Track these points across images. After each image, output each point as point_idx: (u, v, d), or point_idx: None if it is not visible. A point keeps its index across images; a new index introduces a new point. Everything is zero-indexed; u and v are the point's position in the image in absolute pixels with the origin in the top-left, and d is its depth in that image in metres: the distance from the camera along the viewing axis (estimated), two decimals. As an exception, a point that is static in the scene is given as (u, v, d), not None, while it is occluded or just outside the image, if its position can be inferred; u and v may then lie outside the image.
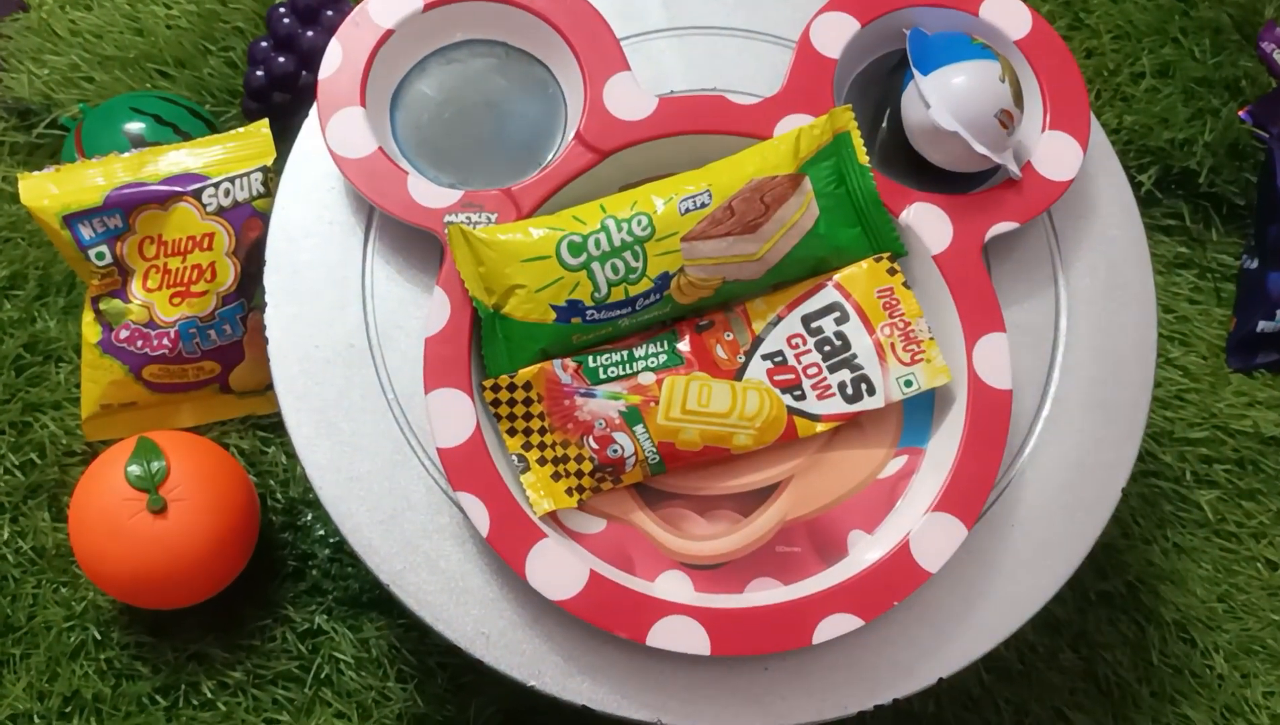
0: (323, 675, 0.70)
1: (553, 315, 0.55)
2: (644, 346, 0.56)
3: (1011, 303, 0.61)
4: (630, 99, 0.60)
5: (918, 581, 0.54)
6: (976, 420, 0.56)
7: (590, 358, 0.56)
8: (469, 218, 0.57)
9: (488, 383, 0.55)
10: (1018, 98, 0.59)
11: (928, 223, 0.59)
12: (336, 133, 0.59)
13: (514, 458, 0.56)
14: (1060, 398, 0.60)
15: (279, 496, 0.74)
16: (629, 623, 0.52)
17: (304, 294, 0.59)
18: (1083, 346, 0.61)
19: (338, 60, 0.60)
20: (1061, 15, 0.88)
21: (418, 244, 0.59)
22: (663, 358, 0.56)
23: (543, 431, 0.55)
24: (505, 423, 0.56)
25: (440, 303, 0.56)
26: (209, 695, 0.69)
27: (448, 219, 0.57)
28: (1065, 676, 0.73)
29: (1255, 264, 0.83)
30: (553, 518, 0.55)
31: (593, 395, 0.55)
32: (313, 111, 0.61)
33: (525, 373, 0.55)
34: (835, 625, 0.53)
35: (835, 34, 0.61)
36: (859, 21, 0.62)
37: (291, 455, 0.74)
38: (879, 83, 0.63)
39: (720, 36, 0.65)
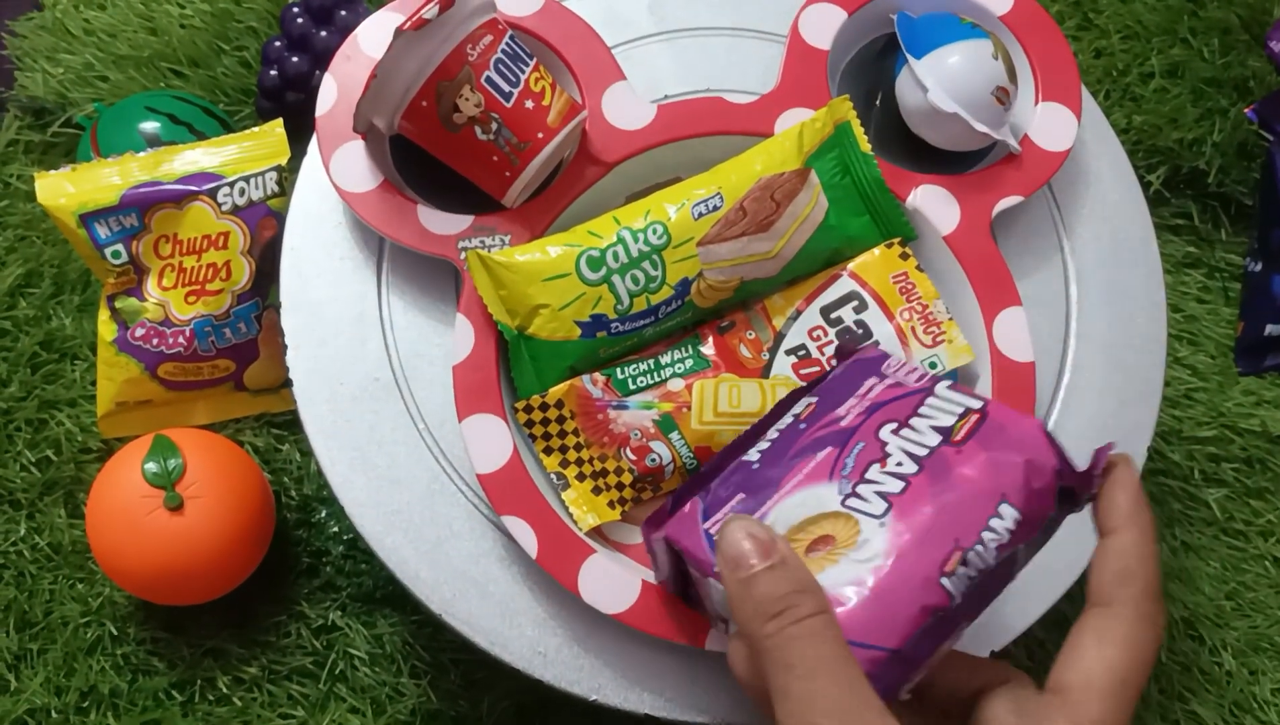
0: (337, 671, 0.71)
1: (578, 331, 0.55)
2: (669, 353, 0.57)
3: (1021, 276, 0.61)
4: (629, 108, 0.60)
5: None
6: (1003, 395, 0.56)
7: (618, 370, 0.56)
8: (483, 241, 0.57)
9: (519, 405, 0.55)
10: (1011, 73, 0.59)
11: (935, 204, 0.59)
12: (340, 168, 0.58)
13: (553, 476, 0.55)
14: (1079, 365, 0.61)
15: (293, 493, 0.74)
16: (685, 629, 0.52)
17: (323, 332, 0.59)
18: (1095, 312, 0.62)
19: (333, 96, 0.59)
20: (1070, 15, 0.88)
21: (430, 271, 0.59)
22: (689, 363, 0.56)
23: (579, 447, 0.55)
24: (541, 443, 0.56)
25: (464, 329, 0.56)
26: (225, 690, 0.70)
27: (462, 244, 0.57)
28: (1074, 673, 0.73)
29: (1259, 267, 0.83)
30: (597, 532, 0.55)
31: (625, 407, 0.55)
32: (312, 147, 0.61)
33: (556, 391, 0.55)
34: None
35: (824, 25, 0.62)
36: (846, 10, 0.62)
37: (305, 452, 0.75)
38: (868, 68, 0.64)
39: (709, 36, 0.65)
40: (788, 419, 0.51)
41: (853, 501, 0.46)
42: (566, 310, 0.55)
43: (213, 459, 0.68)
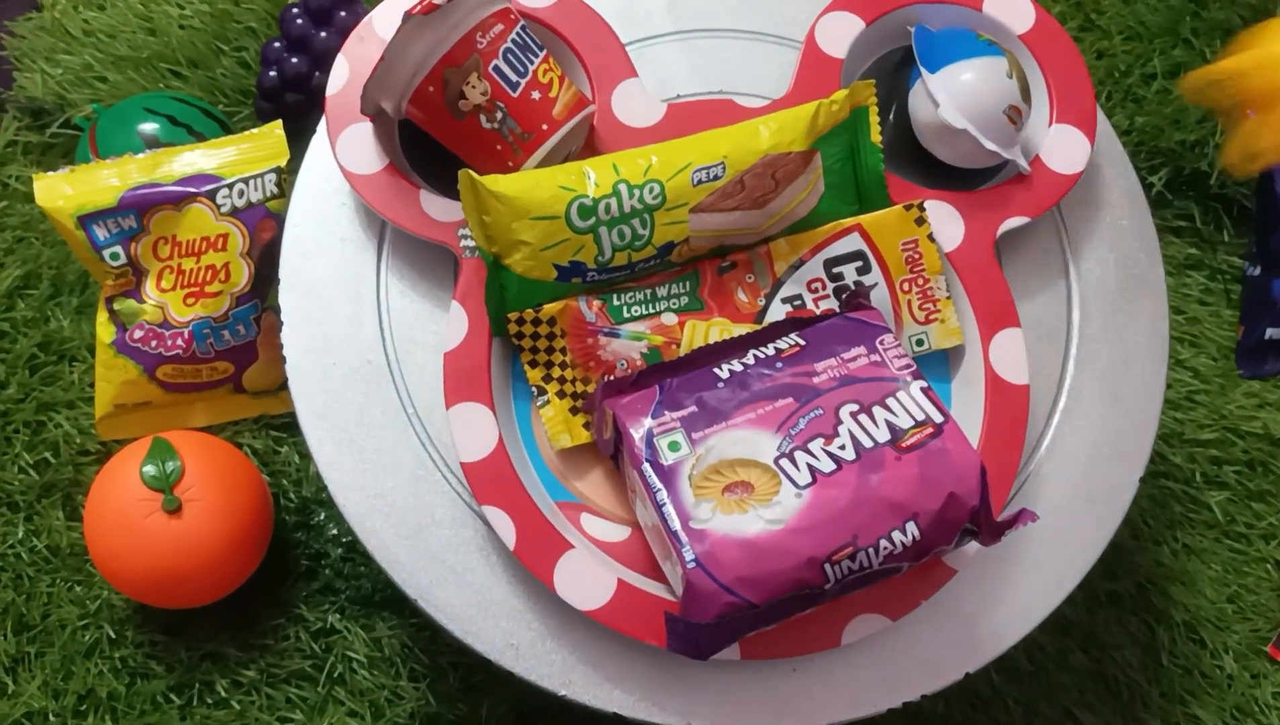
0: (335, 674, 0.70)
1: (554, 274, 0.55)
2: (666, 286, 0.56)
3: (1024, 297, 0.61)
4: (638, 106, 0.59)
5: (944, 579, 0.54)
6: (995, 416, 0.56)
7: (614, 296, 0.56)
8: None
9: (512, 315, 0.55)
10: (1025, 93, 0.59)
11: (939, 220, 0.59)
12: (346, 149, 0.58)
13: (534, 389, 0.56)
14: (1075, 390, 0.61)
15: (292, 496, 0.74)
16: (658, 630, 0.52)
17: (320, 312, 0.59)
18: (1096, 338, 0.61)
19: (344, 76, 0.59)
20: (1073, 16, 0.88)
21: (431, 258, 0.59)
22: (684, 300, 0.56)
23: (564, 366, 0.55)
24: (528, 355, 0.56)
25: (458, 317, 0.56)
26: (223, 694, 0.70)
27: (462, 232, 0.57)
28: (1075, 677, 0.73)
29: (1258, 271, 0.83)
30: (578, 527, 0.55)
31: (616, 335, 0.55)
32: (321, 128, 0.61)
33: (550, 308, 0.55)
34: (863, 625, 0.53)
35: (840, 33, 0.62)
36: (863, 20, 0.62)
37: (305, 454, 0.75)
38: (884, 80, 0.63)
39: (725, 39, 0.64)
40: (770, 350, 0.53)
41: (785, 462, 0.49)
42: (547, 252, 0.54)
43: (211, 462, 0.67)
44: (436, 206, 0.58)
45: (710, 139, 0.56)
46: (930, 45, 0.60)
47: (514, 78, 0.55)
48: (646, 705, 0.54)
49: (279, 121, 0.73)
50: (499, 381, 0.56)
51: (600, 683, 0.55)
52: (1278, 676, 0.74)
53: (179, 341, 0.71)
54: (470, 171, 0.54)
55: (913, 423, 0.50)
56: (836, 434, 0.50)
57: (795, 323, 0.55)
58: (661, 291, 0.56)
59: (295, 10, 0.80)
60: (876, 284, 0.58)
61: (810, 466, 0.49)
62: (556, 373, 0.56)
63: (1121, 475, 0.60)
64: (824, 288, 0.57)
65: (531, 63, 0.56)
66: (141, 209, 0.70)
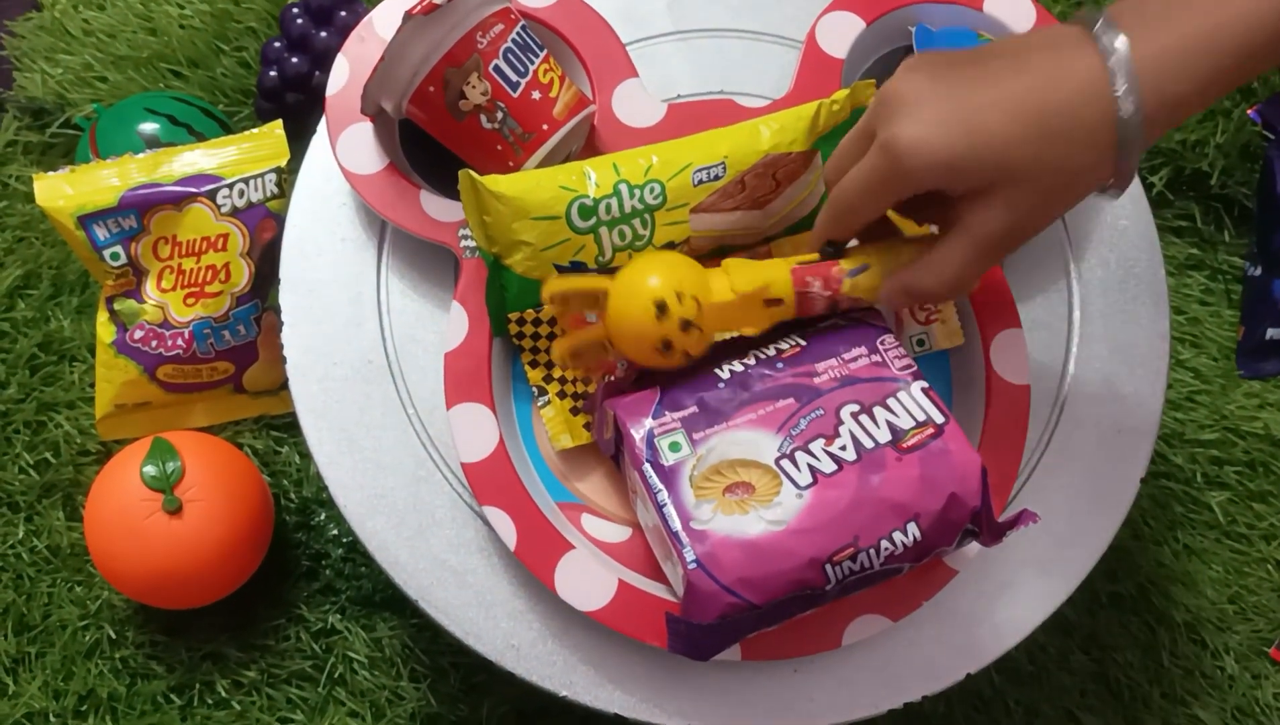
0: (336, 674, 0.70)
1: (555, 274, 0.55)
2: None
3: (1025, 298, 0.61)
4: (639, 106, 0.59)
5: (944, 580, 0.54)
6: (996, 416, 0.56)
7: None
8: None
9: (513, 316, 0.55)
10: None
11: (939, 222, 0.59)
12: (347, 149, 0.58)
13: (534, 389, 0.56)
14: (1076, 390, 0.61)
15: (292, 496, 0.74)
16: (659, 631, 0.52)
17: (320, 312, 0.59)
18: (1097, 338, 0.61)
19: (344, 76, 0.59)
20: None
21: (430, 257, 0.59)
22: None
23: (564, 366, 0.55)
24: (528, 355, 0.56)
25: (458, 317, 0.56)
26: (223, 694, 0.70)
27: (462, 232, 0.57)
28: (1076, 678, 0.73)
29: (1259, 271, 0.83)
30: (579, 527, 0.55)
31: None
32: (321, 128, 0.61)
33: (551, 308, 0.55)
34: (864, 626, 0.53)
35: (841, 33, 0.61)
36: (864, 20, 0.62)
37: (305, 455, 0.75)
38: (884, 80, 0.63)
39: (726, 39, 0.64)
40: (770, 350, 0.53)
41: (785, 463, 0.49)
42: (548, 252, 0.54)
43: (212, 462, 0.67)
44: (437, 207, 0.58)
45: (711, 139, 0.56)
46: (932, 45, 0.60)
47: (514, 78, 0.55)
48: (648, 706, 0.54)
49: (279, 121, 0.73)
50: (499, 382, 0.56)
51: (601, 683, 0.55)
52: (1279, 677, 0.74)
53: (179, 341, 0.71)
54: (471, 171, 0.53)
55: (914, 423, 0.50)
56: (837, 434, 0.50)
57: (796, 323, 0.55)
58: None
59: (295, 10, 0.80)
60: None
61: (811, 467, 0.49)
62: (557, 373, 0.56)
63: (1122, 476, 0.60)
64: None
65: (532, 63, 0.56)
66: (142, 209, 0.70)
